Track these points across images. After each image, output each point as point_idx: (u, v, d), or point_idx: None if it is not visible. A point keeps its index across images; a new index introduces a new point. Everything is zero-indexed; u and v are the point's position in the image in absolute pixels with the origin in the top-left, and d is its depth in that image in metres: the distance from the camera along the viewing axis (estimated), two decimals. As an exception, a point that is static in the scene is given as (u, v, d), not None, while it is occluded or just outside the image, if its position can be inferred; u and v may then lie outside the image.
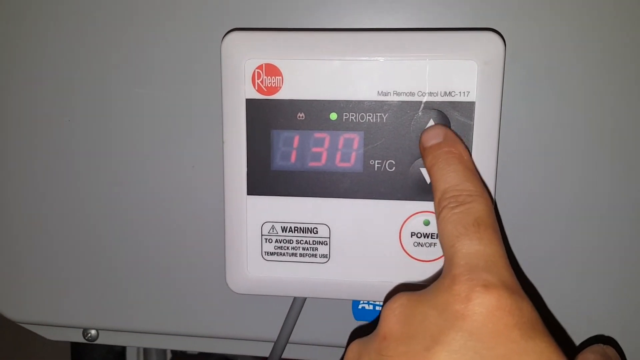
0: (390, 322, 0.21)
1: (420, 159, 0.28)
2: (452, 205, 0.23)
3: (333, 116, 0.28)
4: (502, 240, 0.22)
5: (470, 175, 0.24)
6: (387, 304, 0.22)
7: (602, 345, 0.26)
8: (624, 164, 0.29)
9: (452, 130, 0.27)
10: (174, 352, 0.59)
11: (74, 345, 0.58)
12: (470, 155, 0.26)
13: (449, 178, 0.24)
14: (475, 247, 0.21)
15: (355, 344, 0.23)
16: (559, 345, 0.20)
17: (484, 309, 0.20)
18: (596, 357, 0.24)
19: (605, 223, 0.30)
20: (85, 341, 0.38)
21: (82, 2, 0.31)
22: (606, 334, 0.31)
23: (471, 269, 0.21)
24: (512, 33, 0.28)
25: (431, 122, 0.27)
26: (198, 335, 0.35)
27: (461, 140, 0.27)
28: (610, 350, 0.25)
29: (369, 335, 0.23)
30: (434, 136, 0.26)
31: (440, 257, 0.29)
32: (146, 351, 0.56)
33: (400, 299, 0.22)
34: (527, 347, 0.19)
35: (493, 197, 0.27)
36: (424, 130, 0.27)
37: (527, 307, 0.20)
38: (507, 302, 0.20)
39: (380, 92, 0.28)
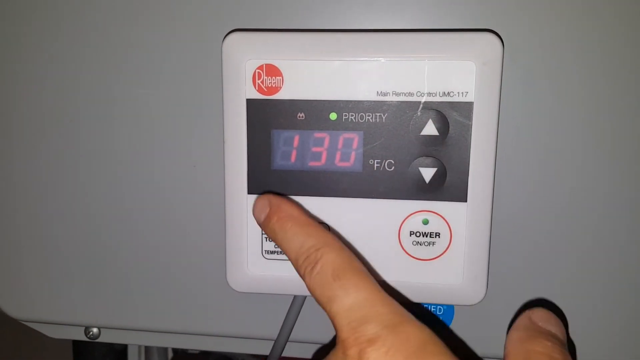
0: None
1: (420, 159, 0.28)
2: (308, 269, 0.23)
3: (333, 116, 0.28)
4: (368, 278, 0.22)
5: (308, 230, 0.24)
6: None
7: (527, 312, 0.25)
8: (622, 164, 0.30)
9: (273, 194, 0.27)
10: (175, 350, 0.59)
11: (76, 343, 0.58)
12: (301, 208, 0.26)
13: (292, 244, 0.24)
14: (347, 302, 0.22)
15: None
16: (454, 356, 0.20)
17: None
18: (519, 335, 0.23)
19: (603, 223, 0.30)
20: (87, 339, 0.38)
21: (84, 3, 0.32)
22: (605, 332, 0.32)
23: (353, 327, 0.21)
24: (510, 34, 0.29)
25: (430, 122, 0.28)
26: (199, 333, 0.35)
27: (286, 198, 0.27)
28: (537, 314, 0.24)
29: None
30: (260, 211, 0.27)
31: (439, 256, 0.29)
32: (147, 349, 0.56)
33: None
34: None
35: (492, 180, 0.27)
36: (253, 206, 0.27)
37: (413, 332, 0.20)
38: (392, 342, 0.20)
39: (379, 93, 0.28)
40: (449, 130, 0.28)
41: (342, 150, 0.29)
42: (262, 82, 0.28)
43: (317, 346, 0.35)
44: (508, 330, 0.24)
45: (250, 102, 0.28)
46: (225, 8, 0.30)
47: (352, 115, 0.28)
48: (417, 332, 0.21)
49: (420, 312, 0.32)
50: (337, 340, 0.22)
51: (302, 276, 0.24)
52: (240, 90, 0.28)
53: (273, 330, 0.33)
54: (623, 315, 0.31)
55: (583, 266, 0.31)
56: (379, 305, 0.21)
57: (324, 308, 0.23)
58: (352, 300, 0.22)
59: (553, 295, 0.31)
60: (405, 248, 0.29)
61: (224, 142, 0.29)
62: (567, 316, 0.32)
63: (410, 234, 0.29)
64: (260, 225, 0.27)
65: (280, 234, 0.25)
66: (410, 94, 0.28)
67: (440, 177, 0.28)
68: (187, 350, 0.59)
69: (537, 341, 0.22)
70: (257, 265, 0.30)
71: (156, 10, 0.31)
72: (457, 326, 0.32)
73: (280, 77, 0.28)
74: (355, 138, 0.28)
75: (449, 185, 0.28)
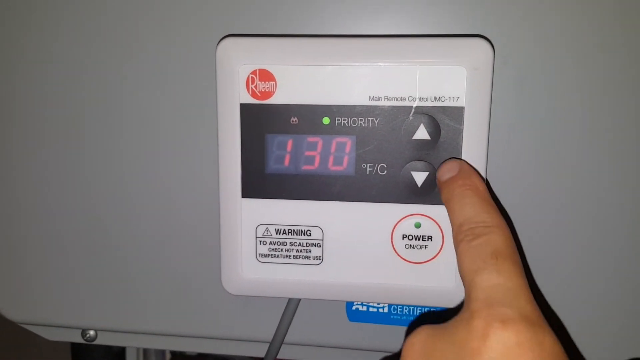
0: (410, 358, 0.21)
1: (412, 163, 0.28)
2: (468, 238, 0.23)
3: (326, 120, 0.29)
4: (523, 271, 0.22)
5: (486, 207, 0.24)
6: (408, 338, 0.22)
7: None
8: (615, 167, 0.30)
9: (467, 163, 0.27)
10: (173, 352, 0.59)
11: (74, 346, 0.58)
12: (487, 185, 0.26)
13: (464, 211, 0.24)
14: (494, 281, 0.21)
15: None
16: None
17: (502, 345, 0.19)
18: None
19: (597, 226, 0.30)
20: (84, 341, 0.38)
21: (78, 8, 0.32)
22: (601, 334, 0.32)
23: (489, 303, 0.20)
24: (500, 39, 0.29)
25: (422, 127, 0.28)
26: (195, 336, 0.36)
27: (477, 172, 0.27)
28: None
29: None
30: (449, 170, 0.26)
31: (431, 259, 0.29)
32: (146, 352, 0.56)
33: (420, 334, 0.22)
34: None
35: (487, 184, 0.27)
36: (439, 165, 0.28)
37: (548, 340, 0.20)
38: (526, 337, 0.19)
39: (371, 97, 0.28)
40: (440, 134, 0.28)
41: (335, 155, 0.29)
42: (255, 87, 0.29)
43: (312, 348, 0.36)
44: None
45: (244, 107, 0.29)
46: (219, 13, 0.31)
47: (344, 120, 0.28)
48: (552, 341, 0.20)
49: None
50: (464, 309, 0.21)
51: (458, 241, 0.23)
52: (234, 95, 0.29)
53: (268, 332, 0.34)
54: (619, 317, 0.31)
55: (576, 269, 0.31)
56: (524, 300, 0.21)
57: (464, 275, 0.22)
58: (500, 282, 0.21)
59: (546, 298, 0.32)
60: (397, 251, 0.29)
61: (218, 146, 0.29)
62: (562, 318, 0.32)
63: (403, 237, 0.29)
64: (440, 182, 0.27)
65: (458, 198, 0.25)
66: (402, 99, 0.28)
67: (432, 181, 0.28)
68: (184, 352, 0.59)
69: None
70: (252, 269, 0.31)
71: (150, 15, 0.31)
72: (451, 328, 0.33)
73: (274, 82, 0.28)
74: (348, 142, 0.29)
75: (440, 189, 0.28)
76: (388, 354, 0.35)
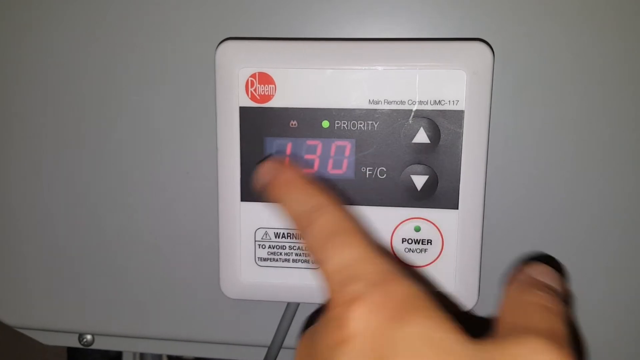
0: None
1: (411, 166, 0.28)
2: (307, 231, 0.22)
3: (325, 124, 0.28)
4: (362, 237, 0.21)
5: (309, 191, 0.23)
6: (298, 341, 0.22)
7: (523, 266, 0.23)
8: (614, 171, 0.30)
9: (282, 162, 0.26)
10: (169, 356, 0.59)
11: (71, 350, 0.58)
12: (300, 170, 0.25)
13: (293, 207, 0.23)
14: (336, 261, 0.20)
15: None
16: (443, 313, 0.18)
17: (361, 322, 0.18)
18: (514, 287, 0.21)
19: (595, 229, 0.30)
20: (81, 346, 0.38)
21: (79, 10, 0.32)
22: (601, 337, 0.32)
23: (339, 288, 0.19)
24: (500, 43, 0.29)
25: (421, 130, 0.28)
26: (193, 340, 0.35)
27: (285, 167, 0.25)
28: (533, 269, 0.23)
29: None
30: (267, 173, 0.25)
31: (431, 262, 0.29)
32: (142, 356, 0.56)
33: (302, 338, 0.21)
34: (400, 337, 0.17)
35: (483, 188, 0.27)
36: (259, 168, 0.26)
37: (400, 289, 0.19)
38: (377, 301, 0.18)
39: (371, 101, 0.28)
40: (440, 138, 0.28)
41: (335, 158, 0.29)
42: (255, 90, 0.28)
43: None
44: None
45: (243, 110, 0.29)
46: (218, 17, 0.31)
47: (344, 123, 0.28)
48: (402, 288, 0.19)
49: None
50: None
51: (302, 240, 0.22)
52: (234, 98, 0.29)
53: (267, 337, 0.33)
54: (618, 319, 0.31)
55: (574, 272, 0.31)
56: (369, 264, 0.19)
57: (320, 271, 0.21)
58: (342, 260, 0.20)
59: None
60: (397, 255, 0.29)
61: (217, 149, 0.29)
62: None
63: (403, 241, 0.29)
64: (262, 190, 0.26)
65: (284, 198, 0.24)
66: (402, 102, 0.28)
67: (431, 184, 0.28)
68: (181, 356, 0.59)
69: (533, 292, 0.21)
70: (250, 273, 0.30)
71: (150, 19, 0.31)
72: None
73: (273, 85, 0.28)
74: (348, 146, 0.29)
75: (440, 193, 0.28)
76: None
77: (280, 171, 0.25)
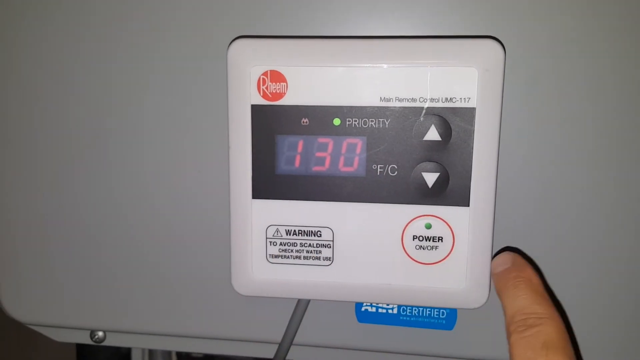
0: None
1: (423, 164, 0.28)
2: (520, 329, 0.23)
3: (336, 121, 0.29)
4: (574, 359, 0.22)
5: (539, 298, 0.24)
6: None
7: (508, 252, 0.26)
8: (625, 168, 0.30)
9: (520, 256, 0.28)
10: (179, 353, 0.59)
11: (79, 347, 0.58)
12: (541, 279, 0.26)
13: (517, 302, 0.25)
14: None
15: None
16: None
17: None
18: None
19: (607, 227, 0.30)
20: (92, 342, 0.38)
21: (90, 7, 0.32)
22: (610, 335, 0.32)
23: None
24: (512, 40, 0.29)
25: (432, 128, 0.28)
26: (203, 336, 0.36)
27: (530, 265, 0.27)
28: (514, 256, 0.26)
29: None
30: (503, 262, 0.27)
31: (442, 260, 0.29)
32: (151, 353, 0.56)
33: None
34: None
35: (494, 185, 0.28)
36: (494, 258, 0.28)
37: None
38: None
39: (382, 98, 0.28)
40: (451, 135, 0.28)
41: (346, 155, 0.29)
42: (266, 88, 0.29)
43: (321, 349, 0.36)
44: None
45: (254, 108, 0.29)
46: (230, 15, 0.31)
47: (355, 121, 0.28)
48: None
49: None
50: None
51: (510, 332, 0.24)
52: (245, 96, 0.29)
53: (277, 333, 0.34)
54: (626, 319, 0.31)
55: (586, 270, 0.31)
56: None
57: None
58: None
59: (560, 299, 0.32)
60: (408, 252, 0.29)
61: (228, 147, 0.29)
62: (571, 319, 0.32)
63: (414, 238, 0.29)
64: (493, 274, 0.28)
65: (511, 290, 0.25)
66: (413, 100, 0.28)
67: (442, 182, 0.28)
68: (191, 353, 0.59)
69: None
70: (262, 270, 0.31)
71: (162, 17, 0.31)
72: (460, 330, 0.33)
73: (285, 83, 0.28)
74: (359, 143, 0.29)
75: (451, 190, 0.28)
76: (397, 354, 0.35)
77: (524, 267, 0.26)
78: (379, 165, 0.29)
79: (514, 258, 0.27)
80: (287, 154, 0.29)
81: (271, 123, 0.29)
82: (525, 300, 0.24)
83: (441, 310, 0.33)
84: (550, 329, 0.23)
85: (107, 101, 0.33)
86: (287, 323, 0.33)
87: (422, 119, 0.28)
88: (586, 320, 0.32)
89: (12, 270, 0.36)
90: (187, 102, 0.32)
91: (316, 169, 0.29)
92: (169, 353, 0.56)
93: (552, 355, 0.22)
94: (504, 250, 0.30)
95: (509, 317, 0.24)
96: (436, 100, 0.28)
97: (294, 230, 0.30)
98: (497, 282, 0.27)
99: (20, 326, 0.38)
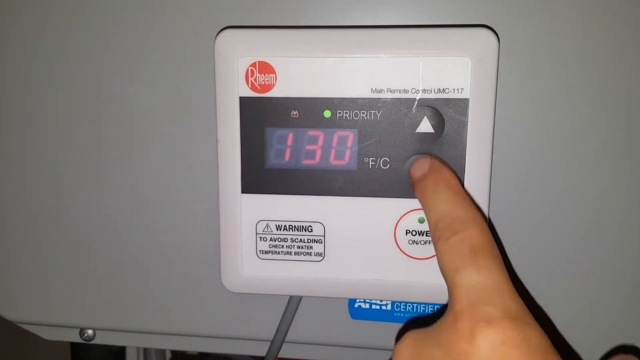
0: None
1: (414, 156, 0.28)
2: (445, 235, 0.23)
3: (327, 114, 0.28)
4: (503, 266, 0.22)
5: (460, 201, 0.24)
6: (397, 344, 0.22)
7: (622, 355, 0.25)
8: (619, 160, 0.29)
9: (438, 158, 0.27)
10: (174, 351, 0.59)
11: (74, 346, 0.58)
12: (460, 180, 0.26)
13: (439, 208, 0.24)
14: (474, 279, 0.21)
15: None
16: None
17: (489, 345, 0.19)
18: None
19: (602, 219, 0.30)
20: (82, 341, 0.38)
21: (73, 1, 0.31)
22: (604, 335, 0.31)
23: (472, 303, 0.20)
24: (506, 29, 0.28)
25: (425, 120, 0.27)
26: (193, 334, 0.35)
27: (448, 166, 0.26)
28: (630, 358, 0.25)
29: None
30: (420, 167, 0.26)
31: (435, 255, 0.29)
32: (146, 351, 0.56)
33: (408, 339, 0.22)
34: None
35: (487, 216, 0.27)
36: (411, 163, 0.27)
37: (535, 335, 0.19)
38: (512, 334, 0.19)
39: (374, 90, 0.27)
40: (444, 127, 0.27)
41: (337, 148, 0.28)
42: (255, 79, 0.28)
43: (314, 346, 0.35)
44: None
45: (243, 100, 0.28)
46: (217, 5, 0.30)
47: (346, 113, 0.28)
48: (539, 336, 0.20)
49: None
50: (448, 311, 0.21)
51: (436, 240, 0.23)
52: (233, 88, 0.28)
53: (270, 331, 0.33)
54: (621, 317, 0.31)
55: (581, 265, 0.31)
56: (506, 296, 0.20)
57: (445, 275, 0.22)
58: (480, 279, 0.21)
59: (548, 293, 0.31)
60: (401, 247, 0.29)
61: (217, 140, 0.29)
62: (564, 317, 0.31)
63: (406, 233, 0.29)
64: (413, 182, 0.27)
65: (431, 196, 0.25)
66: (405, 91, 0.27)
67: (436, 175, 0.28)
68: (185, 351, 0.59)
69: None
70: (252, 266, 0.30)
71: (148, 7, 0.31)
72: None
73: (274, 75, 0.28)
74: (350, 136, 0.28)
75: (444, 183, 0.28)
76: (391, 352, 0.34)
77: (441, 170, 0.26)
78: (370, 159, 0.28)
79: (431, 161, 0.26)
80: (276, 147, 0.29)
81: (260, 115, 0.28)
82: (447, 205, 0.24)
83: (435, 306, 0.32)
84: (475, 232, 0.22)
85: (93, 96, 0.32)
86: (279, 320, 0.32)
87: (414, 110, 0.27)
88: (580, 317, 0.31)
89: (0, 268, 0.36)
90: (174, 95, 0.32)
91: (307, 162, 0.28)
92: (162, 351, 0.56)
93: (481, 259, 0.21)
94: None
95: (433, 224, 0.24)
96: (428, 91, 0.27)
97: (285, 226, 0.29)
98: (416, 188, 0.26)
99: (15, 326, 0.38)
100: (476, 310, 0.20)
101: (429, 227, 0.24)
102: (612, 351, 0.31)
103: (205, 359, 0.59)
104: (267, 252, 0.30)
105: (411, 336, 0.22)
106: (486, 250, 0.22)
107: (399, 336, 0.23)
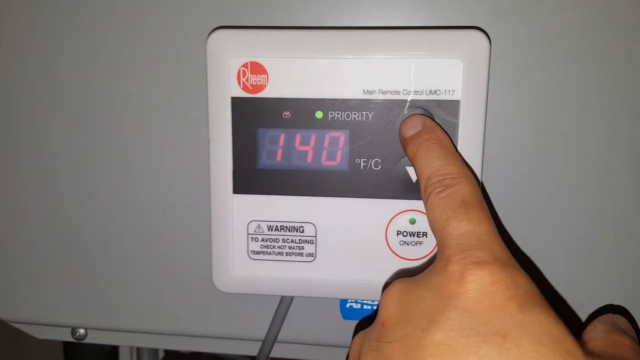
0: (388, 308, 0.22)
1: (406, 158, 0.28)
2: (437, 190, 0.23)
3: (319, 114, 0.28)
4: (491, 218, 0.22)
5: (452, 158, 0.24)
6: (385, 291, 0.22)
7: (611, 314, 0.26)
8: (609, 160, 0.29)
9: (430, 118, 0.27)
10: (166, 350, 0.59)
11: (67, 345, 0.58)
12: (451, 139, 0.26)
13: (431, 164, 0.24)
14: (465, 228, 0.22)
15: (358, 336, 0.23)
16: (558, 316, 0.20)
17: (478, 285, 0.20)
18: (604, 327, 0.25)
19: (595, 220, 0.30)
20: (74, 340, 0.38)
21: (66, 1, 0.31)
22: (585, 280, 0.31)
23: (463, 248, 0.21)
24: (497, 31, 0.28)
25: (416, 120, 0.27)
26: (185, 334, 0.35)
27: (440, 126, 0.27)
28: (619, 319, 0.25)
29: (370, 326, 0.23)
30: (413, 126, 0.26)
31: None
32: (139, 350, 0.56)
33: (397, 285, 0.22)
34: (524, 319, 0.19)
35: (479, 179, 0.27)
36: (402, 122, 0.27)
37: (522, 279, 0.20)
38: (500, 276, 0.20)
39: (365, 91, 0.27)
40: (435, 128, 0.27)
41: (328, 149, 0.28)
42: (247, 80, 0.28)
43: (305, 346, 0.35)
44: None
45: (235, 101, 0.28)
46: (209, 5, 0.30)
47: (338, 114, 0.28)
48: (526, 280, 0.20)
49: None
50: (438, 258, 0.22)
51: (427, 194, 0.24)
52: (225, 88, 0.28)
53: (262, 330, 0.33)
54: (597, 265, 0.31)
55: (574, 266, 0.31)
56: (495, 244, 0.21)
57: (435, 227, 0.23)
58: (470, 228, 0.21)
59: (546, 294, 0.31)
60: (392, 248, 0.29)
61: (208, 141, 0.29)
62: (562, 315, 0.31)
63: (398, 234, 0.29)
64: (402, 139, 0.27)
65: (423, 153, 0.25)
66: (397, 92, 0.27)
67: (427, 176, 0.28)
68: (178, 350, 0.59)
69: (623, 336, 0.24)
70: (243, 266, 0.30)
71: (140, 8, 0.31)
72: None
73: (266, 75, 0.28)
74: (342, 137, 0.28)
75: (436, 185, 0.28)
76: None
77: (434, 129, 0.26)
78: (362, 160, 0.28)
79: (423, 120, 0.26)
80: (268, 147, 0.29)
81: (252, 116, 0.28)
82: (439, 162, 0.24)
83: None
84: (466, 187, 0.23)
85: (86, 95, 0.32)
86: (270, 320, 0.32)
87: (406, 111, 0.27)
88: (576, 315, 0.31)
89: (-9, 267, 0.36)
90: (165, 95, 0.31)
91: (298, 163, 0.28)
92: (155, 350, 0.56)
93: (471, 211, 0.22)
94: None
95: (425, 180, 0.24)
96: (420, 93, 0.27)
97: (276, 226, 0.29)
98: (409, 146, 0.26)
99: (8, 325, 0.38)
100: (466, 254, 0.21)
101: (420, 183, 0.25)
102: (600, 310, 0.31)
103: (198, 358, 0.59)
104: (258, 253, 0.30)
105: (400, 283, 0.22)
106: (477, 203, 0.22)
107: (386, 287, 0.23)
